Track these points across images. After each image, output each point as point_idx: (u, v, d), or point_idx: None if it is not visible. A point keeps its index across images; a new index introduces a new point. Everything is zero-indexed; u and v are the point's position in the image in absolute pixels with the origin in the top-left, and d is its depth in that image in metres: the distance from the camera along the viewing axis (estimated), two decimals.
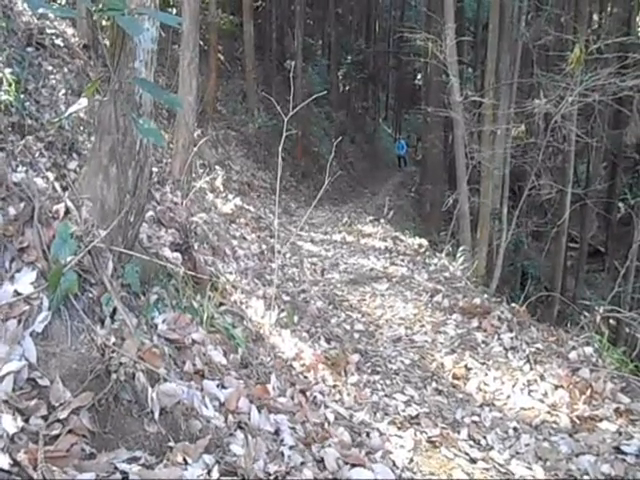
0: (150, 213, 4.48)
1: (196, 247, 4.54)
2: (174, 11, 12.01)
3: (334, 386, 3.63)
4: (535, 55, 9.96)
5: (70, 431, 1.79)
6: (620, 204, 12.38)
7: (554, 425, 3.43)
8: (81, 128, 5.53)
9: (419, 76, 26.40)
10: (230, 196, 8.18)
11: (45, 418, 1.80)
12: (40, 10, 5.98)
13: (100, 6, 2.63)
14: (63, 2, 7.76)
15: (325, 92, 10.33)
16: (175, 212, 4.99)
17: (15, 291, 2.11)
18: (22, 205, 2.49)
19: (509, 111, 9.01)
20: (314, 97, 4.47)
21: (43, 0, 2.50)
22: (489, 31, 10.79)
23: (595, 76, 7.02)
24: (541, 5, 11.09)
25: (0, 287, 2.10)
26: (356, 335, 4.80)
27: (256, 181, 11.15)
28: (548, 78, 8.02)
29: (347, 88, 25.50)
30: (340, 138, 10.41)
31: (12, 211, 2.42)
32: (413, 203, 17.24)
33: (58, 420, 1.80)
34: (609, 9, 15.46)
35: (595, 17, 16.68)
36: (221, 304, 3.81)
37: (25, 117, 4.66)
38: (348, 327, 4.96)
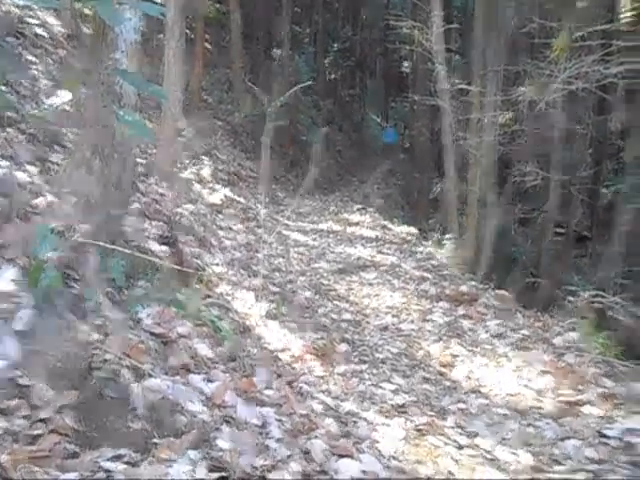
0: (135, 205, 4.45)
1: (182, 239, 4.52)
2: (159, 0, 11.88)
3: (322, 377, 3.65)
4: (521, 42, 9.94)
5: (53, 430, 1.79)
6: (604, 190, 12.46)
7: (540, 410, 3.47)
8: (65, 120, 5.46)
9: (406, 64, 26.26)
10: (217, 186, 8.13)
11: (27, 417, 1.80)
12: (21, 2, 5.83)
13: None
14: None
15: (311, 82, 10.27)
16: (161, 204, 4.96)
17: None
18: (1, 200, 2.46)
19: (496, 98, 9.01)
20: (299, 86, 4.44)
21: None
22: (474, 17, 10.77)
23: (579, 63, 7.02)
24: None
25: None
26: (344, 325, 4.82)
27: (244, 171, 11.07)
28: (533, 65, 8.02)
29: (334, 76, 25.36)
30: (328, 127, 10.39)
31: None
32: (401, 191, 17.21)
33: (41, 419, 1.80)
34: None
35: (580, 4, 16.67)
36: (207, 296, 3.80)
37: (5, 108, 4.59)
38: (336, 317, 4.97)
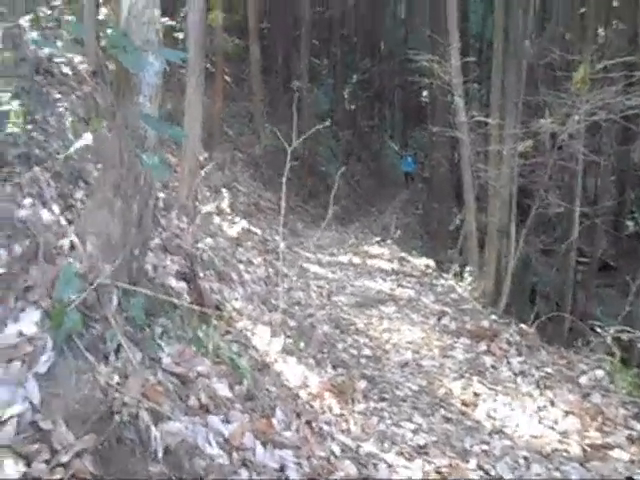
0: (156, 240, 4.50)
1: (202, 274, 4.55)
2: (181, 36, 12.18)
3: (341, 415, 3.61)
4: (541, 73, 9.96)
5: (73, 475, 1.78)
6: (629, 222, 12.31)
7: (565, 454, 3.38)
8: (88, 156, 5.58)
9: (425, 94, 26.47)
10: (237, 219, 8.20)
11: (48, 462, 1.79)
12: (47, 50, 6.02)
13: (105, 42, 2.67)
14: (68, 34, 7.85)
15: (329, 124, 10.35)
16: (181, 238, 5.01)
17: (19, 331, 2.11)
18: (27, 242, 2.50)
19: (515, 131, 9.00)
20: (320, 126, 4.49)
21: (51, 39, 2.54)
22: (493, 49, 10.84)
23: (601, 94, 7.02)
24: (546, 24, 11.13)
25: (4, 327, 2.11)
26: (363, 360, 4.77)
27: (262, 202, 11.18)
28: (554, 96, 8.02)
29: (353, 107, 25.64)
30: (347, 158, 10.45)
31: (17, 249, 2.44)
32: (420, 221, 17.20)
33: (61, 464, 1.79)
34: (614, 26, 15.49)
35: (601, 32, 16.72)
36: (227, 332, 3.80)
37: (32, 147, 4.70)
38: (355, 352, 4.93)
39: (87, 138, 3.01)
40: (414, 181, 24.79)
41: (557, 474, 3.14)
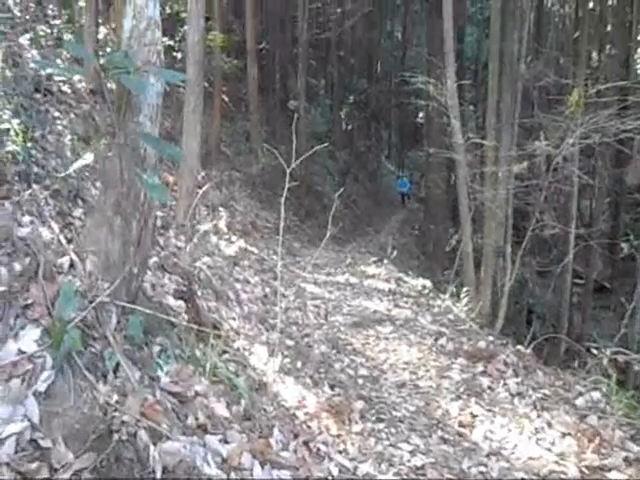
0: (154, 259, 4.51)
1: (199, 293, 4.55)
2: (179, 56, 12.31)
3: (338, 435, 3.59)
4: (536, 96, 10.10)
5: None
6: (623, 244, 12.39)
7: (562, 475, 3.37)
8: (86, 174, 5.61)
9: (421, 114, 26.73)
10: (234, 238, 8.22)
11: None
12: (48, 70, 6.08)
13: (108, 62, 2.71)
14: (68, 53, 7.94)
15: (327, 145, 10.44)
16: (179, 257, 5.02)
17: (19, 349, 2.11)
18: (27, 260, 2.51)
19: (510, 153, 9.09)
20: (316, 148, 4.53)
21: (51, 59, 2.57)
22: (489, 71, 10.99)
23: (595, 118, 7.11)
24: (540, 47, 11.31)
25: (4, 345, 2.11)
26: (360, 381, 4.76)
27: (259, 221, 11.21)
28: (549, 119, 8.12)
29: (350, 127, 25.85)
30: (344, 178, 10.52)
31: (17, 267, 2.44)
32: (417, 241, 17.25)
33: None
34: (607, 50, 15.76)
35: (594, 55, 17.00)
36: (224, 352, 3.80)
37: (31, 165, 4.73)
38: (352, 372, 4.92)
39: (88, 157, 3.02)
40: (410, 201, 24.96)
41: None
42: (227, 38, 13.33)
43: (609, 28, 16.68)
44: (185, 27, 10.62)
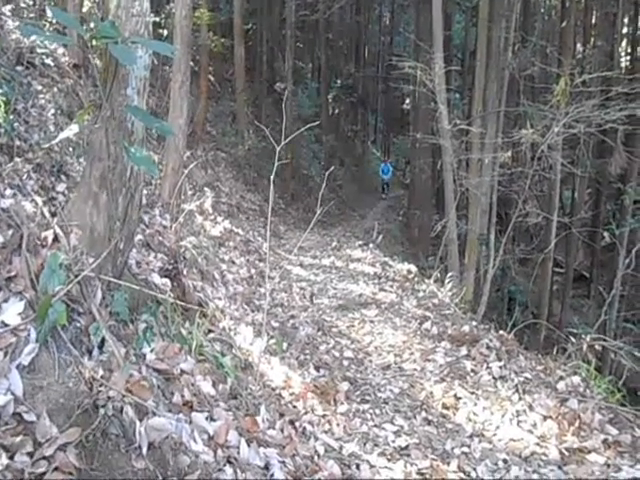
0: (139, 237, 4.45)
1: (185, 272, 4.50)
2: (165, 32, 12.10)
3: (323, 416, 3.60)
4: (522, 85, 10.11)
5: (56, 468, 1.75)
6: (605, 233, 12.54)
7: (543, 457, 3.41)
8: (70, 150, 5.50)
9: (408, 100, 26.69)
10: (219, 218, 8.16)
11: (31, 455, 1.76)
12: (33, 37, 5.92)
13: (93, 33, 2.63)
14: (54, 24, 7.75)
15: (317, 123, 10.37)
16: (164, 236, 4.97)
17: (2, 322, 2.06)
18: (10, 232, 2.45)
19: (496, 140, 9.12)
20: (306, 127, 4.48)
21: (36, 27, 2.48)
22: (477, 60, 10.99)
23: (580, 108, 7.14)
24: (527, 37, 11.32)
25: None
26: (345, 362, 4.77)
27: (245, 203, 11.14)
28: (534, 108, 8.15)
29: (336, 111, 25.73)
30: (330, 162, 10.48)
31: (0, 238, 2.39)
32: (401, 227, 17.28)
33: (44, 457, 1.76)
34: (592, 41, 15.83)
35: (579, 48, 17.09)
36: (210, 331, 3.77)
37: (14, 138, 4.62)
38: (337, 354, 4.93)
39: (73, 129, 2.94)
40: (389, 189, 24.13)
41: (535, 476, 3.17)
42: (214, 16, 13.11)
43: (594, 20, 16.77)
44: (171, 4, 10.42)
